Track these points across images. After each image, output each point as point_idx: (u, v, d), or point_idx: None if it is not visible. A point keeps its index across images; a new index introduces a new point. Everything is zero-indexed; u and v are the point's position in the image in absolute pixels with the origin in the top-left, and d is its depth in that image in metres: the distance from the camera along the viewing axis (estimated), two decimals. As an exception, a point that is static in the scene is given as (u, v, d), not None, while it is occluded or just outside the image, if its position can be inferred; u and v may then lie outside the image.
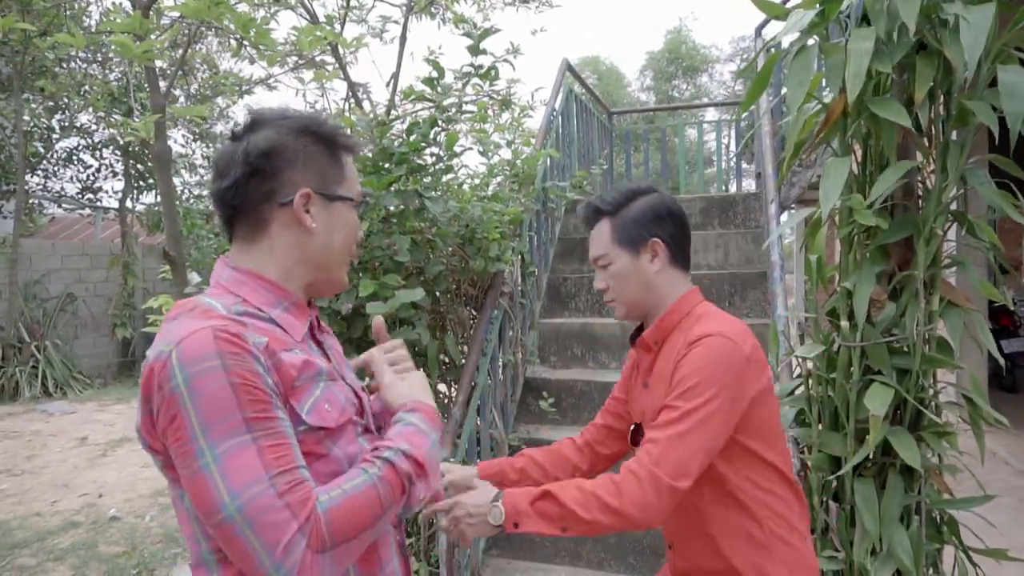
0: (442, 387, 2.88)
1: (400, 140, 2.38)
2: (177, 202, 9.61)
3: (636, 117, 12.87)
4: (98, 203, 10.00)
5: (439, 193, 2.57)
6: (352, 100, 4.28)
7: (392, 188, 2.36)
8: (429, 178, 2.64)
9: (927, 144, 1.81)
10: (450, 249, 2.62)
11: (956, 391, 2.01)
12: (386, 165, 2.44)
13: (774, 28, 4.86)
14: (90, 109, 8.75)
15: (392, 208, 2.46)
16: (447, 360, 2.85)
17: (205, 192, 10.48)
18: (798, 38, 1.86)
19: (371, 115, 2.53)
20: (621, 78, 24.00)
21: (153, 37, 2.36)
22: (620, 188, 1.44)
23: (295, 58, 4.77)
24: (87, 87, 8.54)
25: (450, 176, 2.89)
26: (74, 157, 9.62)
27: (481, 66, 2.72)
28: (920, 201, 1.90)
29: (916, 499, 1.91)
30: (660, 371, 1.35)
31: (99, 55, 8.62)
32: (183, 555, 3.57)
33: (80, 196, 9.80)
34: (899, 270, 1.89)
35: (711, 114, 19.69)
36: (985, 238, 1.82)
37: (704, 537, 1.34)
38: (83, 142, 9.54)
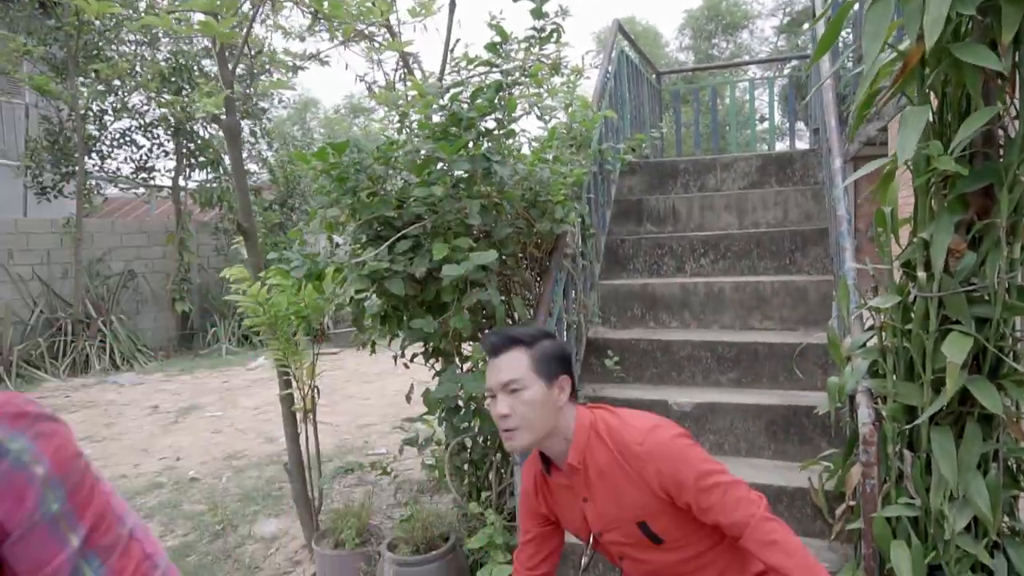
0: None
1: (468, 106, 2.42)
2: (226, 179, 9.87)
3: (677, 77, 12.65)
4: (151, 182, 10.29)
5: (504, 157, 2.61)
6: (404, 69, 4.32)
7: (460, 153, 2.41)
8: (491, 143, 2.69)
9: (1011, 90, 1.78)
10: (515, 212, 2.67)
11: (1035, 340, 2.00)
12: (452, 130, 2.49)
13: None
14: (141, 90, 8.96)
15: (460, 173, 2.52)
16: (513, 321, 2.92)
17: (252, 167, 10.69)
18: (874, -14, 1.83)
19: (438, 83, 2.57)
20: (659, 37, 23.46)
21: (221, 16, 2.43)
22: (528, 329, 1.57)
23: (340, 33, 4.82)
24: (138, 68, 8.74)
25: (511, 140, 2.93)
26: (127, 137, 9.88)
27: (543, 29, 2.74)
28: (1000, 149, 1.88)
29: (994, 447, 1.92)
30: (596, 484, 1.52)
31: (148, 36, 8.82)
32: (262, 511, 3.76)
33: (134, 176, 10.10)
34: (978, 219, 1.88)
35: (753, 72, 19.17)
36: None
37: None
38: (135, 123, 9.79)
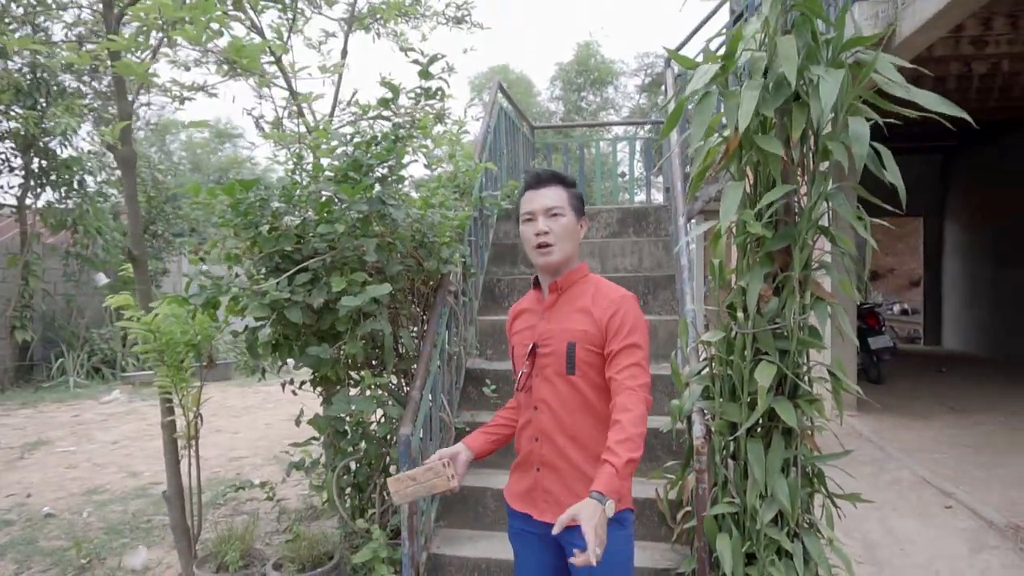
0: (394, 378, 3.19)
1: (367, 152, 2.69)
2: (85, 202, 9.32)
3: (548, 131, 13.47)
4: (-9, 199, 9.52)
5: (398, 200, 2.89)
6: (295, 109, 4.49)
7: (359, 195, 2.66)
8: (384, 187, 2.96)
9: (800, 173, 2.31)
10: (406, 251, 2.94)
11: (825, 369, 2.53)
12: (351, 174, 2.74)
13: (690, 52, 5.46)
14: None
15: (356, 214, 2.76)
16: (399, 352, 3.17)
17: (116, 192, 10.17)
18: (702, 87, 2.32)
19: (338, 130, 2.82)
20: (531, 87, 24.67)
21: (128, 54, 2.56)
22: (566, 174, 1.89)
23: (232, 66, 4.92)
24: (-11, 80, 8.18)
25: (400, 185, 3.21)
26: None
27: (430, 88, 3.06)
28: (796, 217, 2.40)
29: (793, 454, 2.40)
30: (563, 308, 1.82)
31: None
32: (131, 543, 3.68)
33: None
34: (781, 272, 2.39)
35: (617, 129, 20.66)
36: (844, 248, 2.35)
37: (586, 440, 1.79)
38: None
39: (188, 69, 5.31)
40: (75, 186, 9.29)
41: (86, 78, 9.44)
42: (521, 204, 1.84)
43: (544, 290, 1.89)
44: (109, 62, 2.22)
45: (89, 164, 9.61)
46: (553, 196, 1.80)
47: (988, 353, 9.78)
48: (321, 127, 3.08)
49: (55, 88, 8.73)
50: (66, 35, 7.11)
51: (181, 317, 2.93)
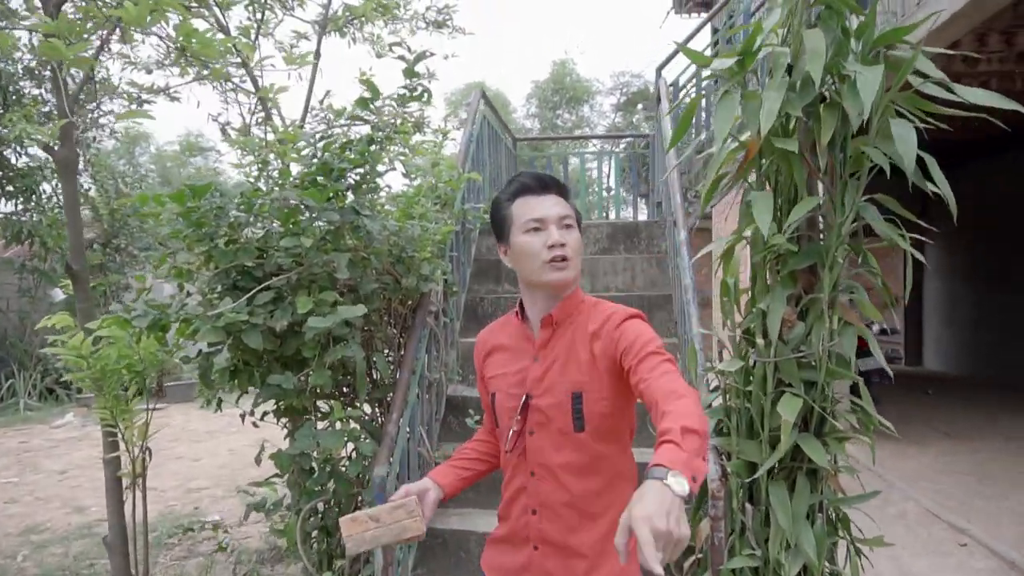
0: (367, 407, 2.87)
1: (339, 157, 2.39)
2: (40, 213, 8.85)
3: (524, 144, 13.28)
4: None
5: (374, 212, 2.59)
6: (263, 114, 4.18)
7: (329, 203, 2.35)
8: (355, 196, 2.66)
9: (830, 183, 2.06)
10: (382, 267, 2.64)
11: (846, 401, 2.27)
12: (320, 179, 2.44)
13: (673, 70, 5.26)
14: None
15: (325, 224, 2.46)
16: (373, 379, 2.85)
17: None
18: (721, 84, 2.07)
19: (309, 132, 2.52)
20: (507, 104, 24.60)
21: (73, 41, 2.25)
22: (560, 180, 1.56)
23: (196, 68, 4.60)
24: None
25: (376, 195, 2.92)
26: None
27: (415, 88, 2.78)
28: (821, 233, 2.15)
29: (820, 499, 2.13)
30: (560, 345, 1.46)
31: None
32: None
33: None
34: (804, 293, 2.13)
35: (598, 144, 20.64)
36: (874, 268, 2.11)
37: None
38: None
39: (150, 71, 4.98)
40: (32, 198, 8.81)
41: (48, 85, 9.02)
42: (517, 210, 1.46)
43: (533, 323, 1.51)
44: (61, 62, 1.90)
45: (46, 173, 9.15)
46: (561, 203, 1.48)
47: (970, 373, 9.70)
48: (291, 132, 2.77)
49: (13, 95, 8.28)
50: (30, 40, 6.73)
51: (123, 340, 2.59)
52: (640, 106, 23.31)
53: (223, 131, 4.96)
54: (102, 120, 9.54)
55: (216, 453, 6.35)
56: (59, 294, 10.14)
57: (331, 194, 2.32)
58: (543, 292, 1.47)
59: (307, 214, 2.31)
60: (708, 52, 6.17)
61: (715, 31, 7.37)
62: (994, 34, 5.21)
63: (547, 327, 1.47)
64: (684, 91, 4.72)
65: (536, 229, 1.43)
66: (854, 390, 2.19)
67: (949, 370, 10.31)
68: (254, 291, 2.24)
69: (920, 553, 3.50)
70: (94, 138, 9.65)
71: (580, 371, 1.42)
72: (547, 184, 1.50)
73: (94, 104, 7.86)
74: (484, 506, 3.02)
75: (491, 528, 2.79)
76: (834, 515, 2.26)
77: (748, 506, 2.18)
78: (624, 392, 1.41)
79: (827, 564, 2.24)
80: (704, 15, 10.71)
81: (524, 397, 1.46)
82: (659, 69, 4.75)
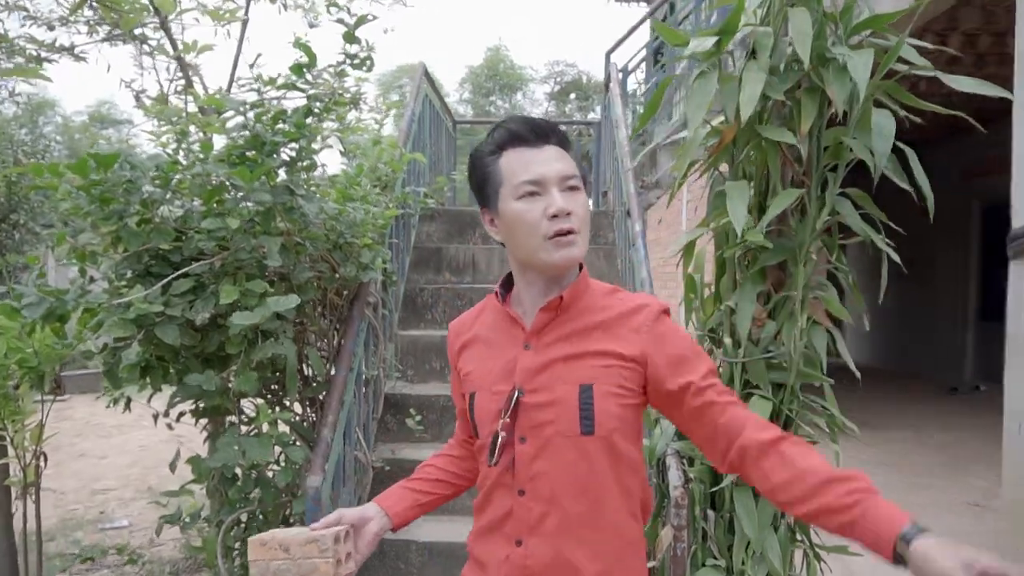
0: (298, 406, 2.62)
1: (272, 129, 2.13)
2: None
3: (468, 128, 13.00)
4: None
5: (313, 191, 2.34)
6: (183, 80, 3.81)
7: (260, 182, 2.09)
8: (289, 174, 2.40)
9: (805, 174, 1.96)
10: (318, 254, 2.39)
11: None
12: (250, 154, 2.17)
13: (623, 54, 5.15)
14: None
15: (254, 205, 2.19)
16: (305, 377, 2.60)
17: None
18: (696, 66, 1.92)
19: (237, 99, 2.24)
20: (440, 88, 24.18)
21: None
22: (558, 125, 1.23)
23: (108, 27, 4.15)
24: None
25: (313, 174, 2.66)
26: None
27: (356, 55, 2.53)
28: (792, 227, 2.05)
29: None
30: (560, 330, 1.16)
31: None
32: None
33: None
34: (774, 291, 2.02)
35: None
36: (844, 264, 2.03)
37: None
38: None
39: (52, 28, 4.47)
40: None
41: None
42: (506, 167, 1.13)
43: (526, 307, 1.20)
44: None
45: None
46: (564, 159, 1.14)
47: (884, 364, 10.13)
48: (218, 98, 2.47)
49: None
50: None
51: (12, 332, 2.25)
52: (573, 95, 23.38)
53: (137, 99, 4.51)
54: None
55: (125, 450, 5.89)
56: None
57: (267, 170, 2.05)
58: (542, 274, 1.16)
59: (234, 193, 2.04)
60: (648, 39, 6.12)
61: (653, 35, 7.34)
62: (956, 34, 5.32)
63: (548, 311, 1.16)
64: (632, 76, 4.61)
65: (533, 193, 1.11)
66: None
67: (863, 360, 10.76)
68: (170, 278, 1.96)
69: (859, 548, 3.52)
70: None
71: (591, 358, 1.13)
72: (544, 132, 1.15)
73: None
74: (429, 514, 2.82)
75: (433, 536, 2.56)
76: (792, 520, 2.18)
77: (710, 512, 2.07)
78: (641, 401, 1.17)
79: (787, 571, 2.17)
80: (645, 4, 10.71)
81: (514, 392, 1.14)
82: (608, 54, 4.62)
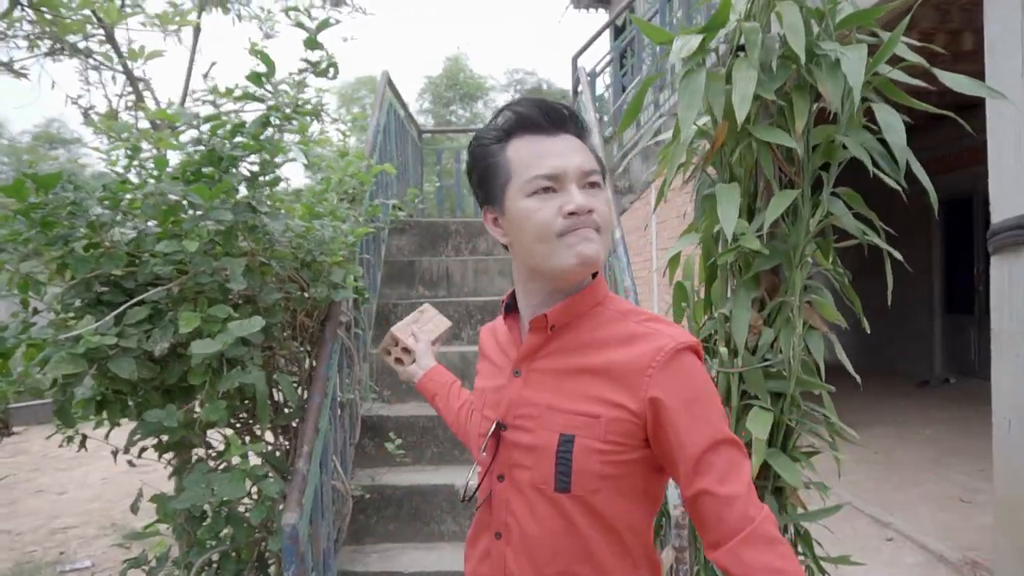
0: (269, 434, 2.46)
1: (229, 144, 1.98)
2: None
3: (431, 137, 12.86)
4: None
5: (278, 209, 2.19)
6: (133, 95, 3.62)
7: (220, 199, 1.95)
8: (250, 190, 2.26)
9: (794, 175, 1.88)
10: (286, 274, 2.24)
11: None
12: (207, 170, 2.02)
13: (589, 59, 5.08)
14: None
15: (214, 225, 2.04)
16: (275, 403, 2.44)
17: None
18: (684, 64, 1.84)
19: (188, 110, 2.08)
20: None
21: None
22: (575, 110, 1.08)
23: (51, 41, 3.94)
24: None
25: (278, 189, 2.51)
26: None
27: (318, 62, 2.39)
28: (785, 230, 1.97)
29: (787, 519, 1.96)
30: (555, 360, 1.01)
31: None
32: None
33: None
34: (768, 297, 1.94)
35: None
36: (838, 268, 1.96)
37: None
38: None
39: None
40: None
41: None
42: (516, 157, 0.97)
43: (522, 321, 1.07)
44: None
45: None
46: (583, 151, 0.99)
47: (862, 362, 10.23)
48: (170, 111, 2.31)
49: None
50: None
51: (-49, 371, 2.06)
52: (577, 87, 23.41)
53: (85, 115, 4.31)
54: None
55: (86, 483, 5.61)
56: None
57: (226, 188, 1.91)
58: (550, 283, 1.00)
59: (191, 212, 1.89)
60: (610, 44, 6.07)
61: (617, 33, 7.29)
62: (941, 34, 5.35)
63: (538, 331, 1.01)
64: (599, 79, 4.54)
65: (548, 189, 0.95)
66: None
67: (833, 359, 10.85)
68: (124, 307, 1.80)
69: (849, 550, 3.46)
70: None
71: (579, 402, 0.96)
72: (561, 118, 0.99)
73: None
74: (407, 539, 2.68)
75: (417, 567, 2.43)
76: (795, 533, 2.10)
77: (712, 532, 1.98)
78: (642, 455, 0.97)
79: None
80: (604, 11, 10.72)
81: (494, 425, 1.03)
82: (575, 58, 4.54)
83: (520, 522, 1.00)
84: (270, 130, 2.13)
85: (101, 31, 3.64)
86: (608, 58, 4.58)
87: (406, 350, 1.60)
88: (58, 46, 3.92)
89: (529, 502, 0.99)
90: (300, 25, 2.29)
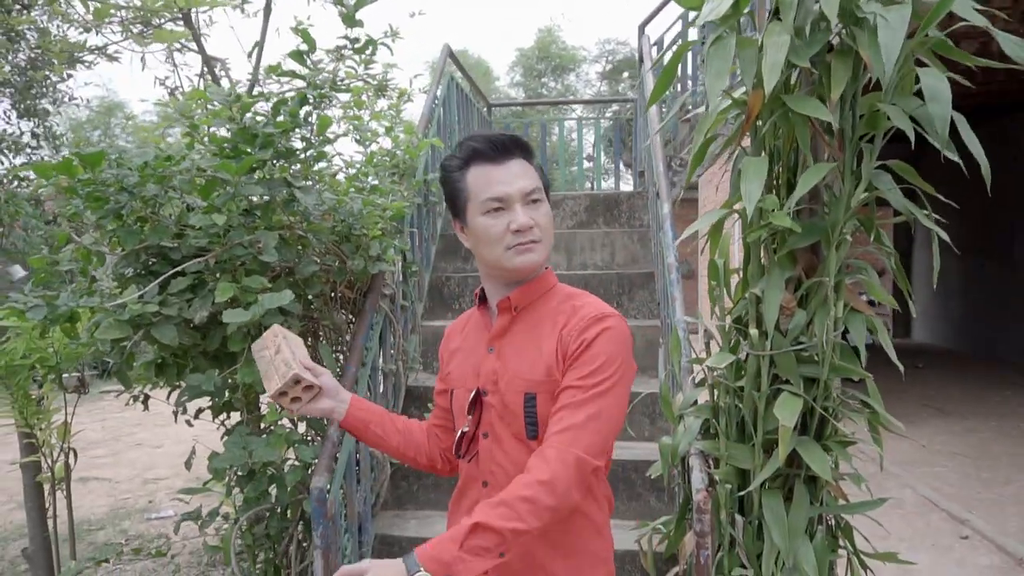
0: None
1: (265, 120, 2.05)
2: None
3: (507, 111, 12.80)
4: None
5: (311, 183, 2.25)
6: (208, 75, 3.80)
7: (255, 175, 2.02)
8: (298, 165, 2.33)
9: (838, 147, 1.76)
10: (324, 247, 2.31)
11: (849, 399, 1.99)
12: (248, 149, 2.10)
13: (657, 27, 4.89)
14: None
15: (255, 199, 2.13)
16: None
17: (32, 175, 9.23)
18: (712, 30, 1.74)
19: (229, 90, 2.17)
20: (489, 72, 24.02)
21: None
22: (521, 138, 1.33)
23: (140, 26, 4.19)
24: None
25: (323, 165, 2.58)
26: None
27: (356, 40, 2.42)
28: (824, 206, 1.85)
29: (820, 510, 1.87)
30: (517, 337, 1.29)
31: None
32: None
33: None
34: (805, 276, 1.84)
35: (579, 111, 20.17)
36: (887, 247, 1.82)
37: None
38: None
39: (88, 30, 4.55)
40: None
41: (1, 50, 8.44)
42: (472, 184, 1.25)
43: (492, 309, 1.35)
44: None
45: (3, 144, 8.63)
46: (526, 174, 1.25)
47: (959, 347, 9.53)
48: (235, 94, 2.40)
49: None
50: None
51: (29, 332, 2.26)
52: (626, 74, 22.84)
53: (171, 95, 4.57)
54: (61, 87, 9.04)
55: (181, 439, 6.04)
56: (19, 271, 9.68)
57: (253, 163, 1.98)
58: (507, 275, 1.29)
59: (225, 188, 1.98)
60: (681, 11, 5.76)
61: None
62: None
63: (505, 312, 1.31)
64: (667, 49, 4.37)
65: (498, 209, 1.23)
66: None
67: (937, 342, 10.15)
68: (164, 276, 1.91)
69: (918, 547, 3.28)
70: (48, 111, 9.13)
71: (536, 368, 1.24)
72: (506, 147, 1.25)
73: (37, 69, 7.39)
74: (447, 507, 2.74)
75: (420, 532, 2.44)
76: (834, 524, 2.00)
77: (737, 517, 1.91)
78: None
79: (825, 577, 2.00)
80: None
81: (474, 393, 1.29)
82: (642, 26, 4.39)
83: (504, 468, 1.25)
84: (306, 107, 2.18)
85: (180, 17, 3.83)
86: (679, 26, 4.38)
87: (308, 387, 1.28)
88: (147, 30, 4.16)
89: (508, 451, 1.26)
90: (339, 2, 2.33)
